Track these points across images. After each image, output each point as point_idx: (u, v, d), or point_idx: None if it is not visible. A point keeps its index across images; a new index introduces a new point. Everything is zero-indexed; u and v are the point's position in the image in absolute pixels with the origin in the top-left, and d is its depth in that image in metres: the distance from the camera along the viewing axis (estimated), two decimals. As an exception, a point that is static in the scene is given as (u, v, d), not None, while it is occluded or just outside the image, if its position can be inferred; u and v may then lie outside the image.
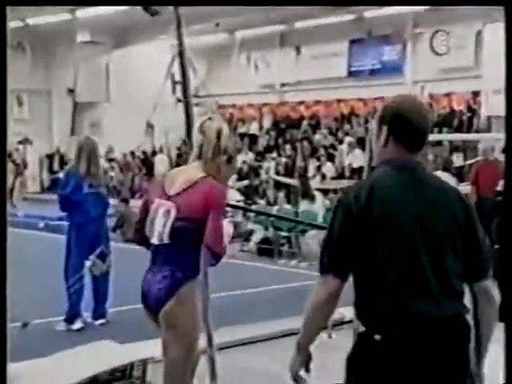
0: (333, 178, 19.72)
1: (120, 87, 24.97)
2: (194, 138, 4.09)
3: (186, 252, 3.89)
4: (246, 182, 19.27)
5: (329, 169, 20.33)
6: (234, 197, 14.15)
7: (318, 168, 20.39)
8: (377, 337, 2.72)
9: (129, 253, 6.89)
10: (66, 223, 8.15)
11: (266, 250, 13.45)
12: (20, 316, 6.48)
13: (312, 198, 13.28)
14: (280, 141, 23.48)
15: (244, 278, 10.39)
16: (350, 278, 2.83)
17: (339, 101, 23.25)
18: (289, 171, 20.26)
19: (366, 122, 20.13)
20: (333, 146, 21.64)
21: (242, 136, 24.01)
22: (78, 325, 7.62)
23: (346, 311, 5.91)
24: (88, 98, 26.10)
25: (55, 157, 26.91)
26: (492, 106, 17.50)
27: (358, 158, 19.27)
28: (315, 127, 23.40)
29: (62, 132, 26.96)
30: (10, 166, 21.28)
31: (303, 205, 13.22)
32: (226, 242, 3.94)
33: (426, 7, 19.25)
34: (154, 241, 3.95)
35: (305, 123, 23.68)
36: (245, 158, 21.72)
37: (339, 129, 22.82)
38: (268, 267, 12.07)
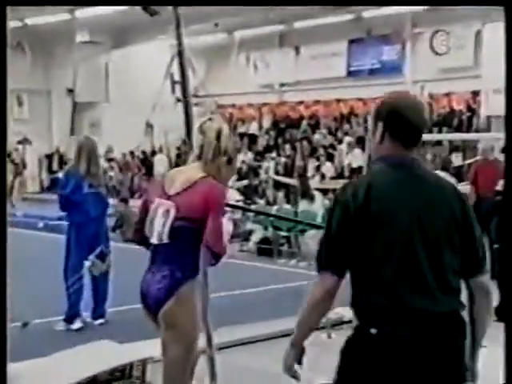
0: (332, 178, 19.72)
1: (119, 87, 24.97)
2: (194, 139, 4.09)
3: (185, 252, 3.89)
4: (245, 182, 19.26)
5: (328, 168, 20.34)
6: (233, 196, 14.13)
7: (318, 168, 20.40)
8: (373, 331, 2.73)
9: (128, 253, 6.89)
10: (65, 223, 8.15)
11: (266, 249, 13.45)
12: (19, 316, 6.48)
13: (311, 198, 13.28)
14: (279, 141, 23.48)
15: (243, 278, 10.39)
16: (347, 276, 2.84)
17: (338, 101, 23.25)
18: (288, 171, 20.25)
19: (366, 121, 20.10)
20: (332, 146, 21.64)
21: (242, 136, 24.01)
22: (77, 325, 7.62)
23: (345, 311, 5.91)
24: (87, 98, 26.10)
25: (54, 157, 26.91)
26: (491, 105, 17.51)
27: (357, 158, 19.27)
28: (315, 127, 23.39)
29: (61, 132, 26.95)
30: (9, 166, 21.27)
31: (302, 204, 13.22)
32: (226, 241, 3.94)
33: (425, 7, 19.26)
34: (154, 240, 3.95)
35: (304, 123, 23.67)
36: (244, 158, 21.71)
37: (338, 129, 22.82)
38: (267, 267, 12.07)
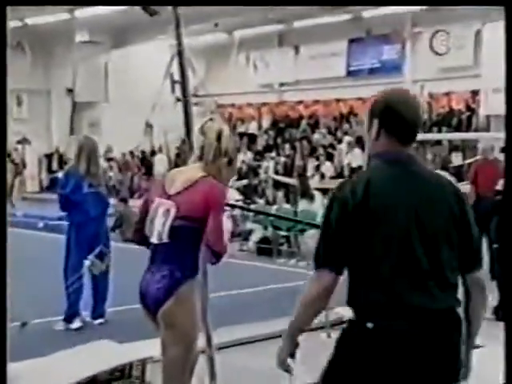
0: (332, 178, 19.70)
1: (119, 87, 24.98)
2: (194, 139, 4.09)
3: (185, 251, 3.89)
4: (245, 182, 19.27)
5: (328, 168, 20.33)
6: (233, 196, 14.13)
7: (317, 167, 20.39)
8: (369, 325, 2.72)
9: (128, 252, 6.88)
10: (65, 223, 8.15)
11: (265, 249, 13.45)
12: (19, 316, 6.47)
13: (311, 198, 13.28)
14: (279, 140, 23.48)
15: (243, 278, 10.39)
16: (345, 275, 2.84)
17: (338, 100, 23.27)
18: (288, 170, 20.25)
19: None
20: (332, 146, 21.64)
21: (241, 135, 24.01)
22: (76, 324, 7.62)
23: (345, 311, 5.91)
24: (87, 98, 26.11)
25: (54, 156, 26.91)
26: (491, 105, 17.50)
27: (357, 158, 19.28)
28: (314, 127, 23.40)
29: (60, 132, 26.96)
30: (9, 166, 21.26)
31: (302, 204, 13.22)
32: (227, 240, 3.94)
33: (424, 7, 19.27)
34: (154, 240, 3.94)
35: (304, 123, 23.68)
36: (244, 158, 21.71)
37: (338, 128, 22.82)
38: (267, 266, 12.07)
